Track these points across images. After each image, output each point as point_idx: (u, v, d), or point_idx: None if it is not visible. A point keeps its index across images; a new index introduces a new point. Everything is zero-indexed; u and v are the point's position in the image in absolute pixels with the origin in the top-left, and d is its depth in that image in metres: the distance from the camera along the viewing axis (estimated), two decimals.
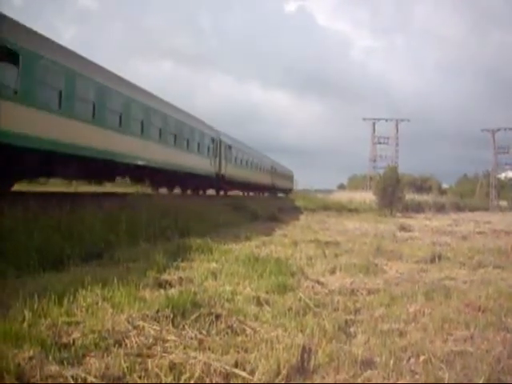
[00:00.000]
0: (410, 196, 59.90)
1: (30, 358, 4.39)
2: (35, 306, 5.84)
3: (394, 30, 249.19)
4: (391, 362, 5.11)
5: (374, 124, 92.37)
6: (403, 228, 24.74)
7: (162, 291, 7.48)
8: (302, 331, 5.94)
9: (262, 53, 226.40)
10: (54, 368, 4.30)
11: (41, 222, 11.37)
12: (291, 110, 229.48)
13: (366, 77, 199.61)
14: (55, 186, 21.29)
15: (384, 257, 12.99)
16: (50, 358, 4.52)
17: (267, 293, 7.89)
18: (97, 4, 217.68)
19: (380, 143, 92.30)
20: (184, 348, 5.15)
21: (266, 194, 56.27)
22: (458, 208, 69.98)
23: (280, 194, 63.81)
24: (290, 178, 72.36)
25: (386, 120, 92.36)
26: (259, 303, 7.28)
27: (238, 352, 5.16)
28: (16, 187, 17.09)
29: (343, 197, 64.07)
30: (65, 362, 4.50)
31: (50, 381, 4.14)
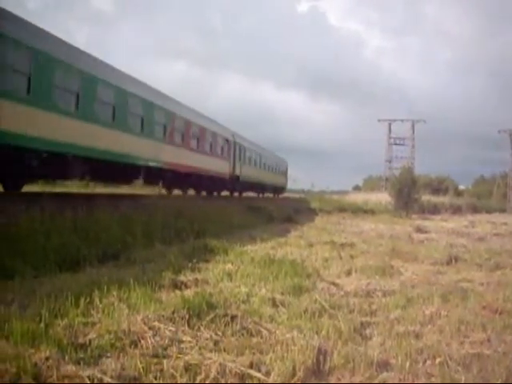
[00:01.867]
0: (426, 197, 59.53)
1: (47, 358, 4.42)
2: (52, 306, 5.89)
3: (407, 30, 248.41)
4: (407, 364, 5.09)
5: (389, 125, 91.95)
6: (419, 229, 24.61)
7: (178, 292, 7.51)
8: (317, 333, 5.92)
9: (275, 53, 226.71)
10: (70, 368, 4.32)
11: (58, 223, 11.45)
12: (305, 110, 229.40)
13: (380, 77, 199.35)
14: (69, 187, 21.39)
15: (400, 258, 12.92)
16: (67, 358, 4.55)
17: (283, 294, 7.88)
18: (110, 6, 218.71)
19: (396, 144, 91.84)
20: (199, 349, 5.16)
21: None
22: (475, 209, 69.34)
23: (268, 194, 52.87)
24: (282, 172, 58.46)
25: (402, 121, 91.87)
26: (275, 305, 7.28)
27: (254, 353, 5.16)
28: (33, 188, 17.22)
29: (358, 198, 63.65)
30: (81, 363, 4.53)
31: (66, 381, 4.17)
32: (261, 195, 49.25)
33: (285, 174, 60.14)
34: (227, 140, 34.18)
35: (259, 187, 46.04)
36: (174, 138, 24.78)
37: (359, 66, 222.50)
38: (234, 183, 35.87)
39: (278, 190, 57.01)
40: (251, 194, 46.04)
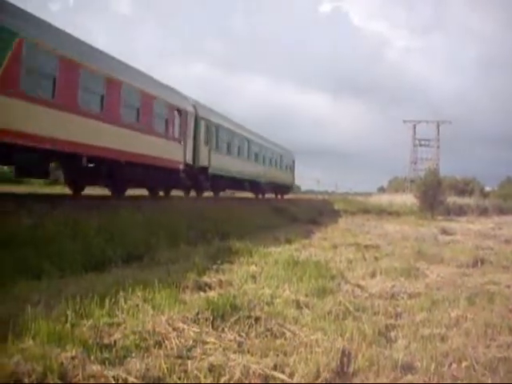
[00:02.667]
0: (451, 199, 58.88)
1: (73, 358, 4.46)
2: (78, 307, 5.94)
3: (432, 29, 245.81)
4: (432, 367, 5.04)
5: (414, 126, 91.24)
6: (445, 231, 24.34)
7: (202, 293, 7.54)
8: (341, 335, 5.89)
9: (298, 54, 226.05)
10: (95, 368, 4.36)
11: (84, 224, 11.58)
12: (329, 111, 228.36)
13: (405, 77, 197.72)
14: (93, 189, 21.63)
15: (425, 260, 12.79)
16: (92, 358, 4.59)
17: (307, 296, 7.87)
18: (130, 8, 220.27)
19: (421, 145, 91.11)
20: (223, 350, 5.17)
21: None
22: (501, 211, 68.25)
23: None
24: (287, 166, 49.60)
25: (427, 122, 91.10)
26: (299, 306, 7.26)
27: (278, 355, 5.16)
28: (57, 190, 17.40)
29: (383, 199, 63.24)
30: (106, 362, 4.57)
31: (91, 380, 4.21)
32: (256, 195, 40.41)
33: (290, 169, 50.64)
34: (179, 111, 23.44)
35: (250, 185, 36.39)
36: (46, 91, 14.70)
37: (383, 66, 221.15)
38: (197, 177, 25.87)
39: (282, 189, 47.35)
40: (250, 194, 39.36)
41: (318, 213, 33.26)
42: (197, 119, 25.73)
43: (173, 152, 22.72)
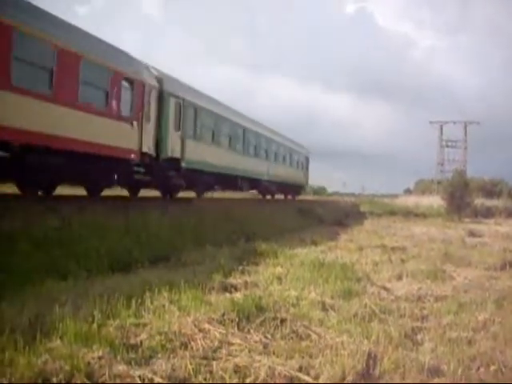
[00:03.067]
0: (479, 200, 58.16)
1: (100, 358, 4.51)
2: (104, 307, 6.00)
3: (458, 29, 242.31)
4: (459, 370, 4.99)
5: (441, 127, 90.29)
6: (472, 233, 24.06)
7: (228, 295, 7.56)
8: (367, 337, 5.86)
9: (323, 55, 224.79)
10: (122, 368, 4.40)
11: (110, 225, 11.68)
12: (354, 113, 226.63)
13: (431, 78, 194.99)
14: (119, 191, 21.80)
15: (452, 263, 12.66)
16: (119, 357, 4.63)
17: (332, 298, 7.84)
18: (158, 10, 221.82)
19: (448, 146, 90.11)
20: (249, 351, 5.18)
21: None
22: None
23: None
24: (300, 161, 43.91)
25: (454, 123, 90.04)
26: (324, 308, 7.24)
27: (303, 357, 5.15)
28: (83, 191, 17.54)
29: (409, 201, 62.74)
30: (132, 363, 4.61)
31: (118, 380, 4.25)
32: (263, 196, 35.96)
33: (303, 167, 44.57)
34: (130, 81, 17.11)
35: (249, 183, 30.25)
36: None
37: (409, 66, 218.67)
38: (164, 172, 19.84)
39: (291, 188, 41.40)
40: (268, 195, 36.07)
41: (344, 214, 33.10)
42: (163, 96, 19.51)
43: (117, 136, 16.32)
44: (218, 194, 28.39)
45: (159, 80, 19.47)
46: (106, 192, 18.14)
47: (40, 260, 8.90)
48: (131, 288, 7.32)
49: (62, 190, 16.64)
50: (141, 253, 10.87)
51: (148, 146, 18.13)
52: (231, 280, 8.66)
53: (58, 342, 4.84)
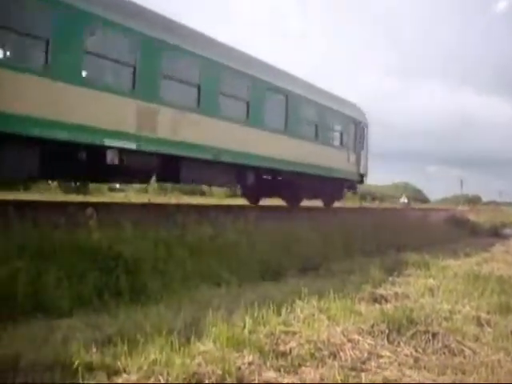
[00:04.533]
0: None
1: (250, 363, 4.61)
2: (255, 314, 6.12)
3: None
4: None
5: None
6: None
7: (378, 306, 7.40)
8: None
9: (473, 56, 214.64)
10: (271, 374, 4.46)
11: (261, 234, 11.95)
12: (509, 116, 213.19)
13: None
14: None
15: None
16: (268, 364, 4.70)
17: (488, 313, 7.40)
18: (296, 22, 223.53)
19: None
20: (399, 365, 5.04)
21: None
22: None
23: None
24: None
25: None
26: (479, 323, 6.86)
27: (456, 373, 4.92)
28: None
29: None
30: (281, 370, 4.65)
31: None
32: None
33: (355, 144, 25.93)
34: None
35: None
36: None
37: None
38: None
39: (327, 185, 24.26)
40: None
41: (500, 225, 31.27)
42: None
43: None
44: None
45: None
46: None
47: (195, 266, 9.30)
48: (281, 296, 7.41)
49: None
50: (290, 262, 11.00)
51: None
52: (381, 291, 8.47)
53: (211, 345, 5.01)
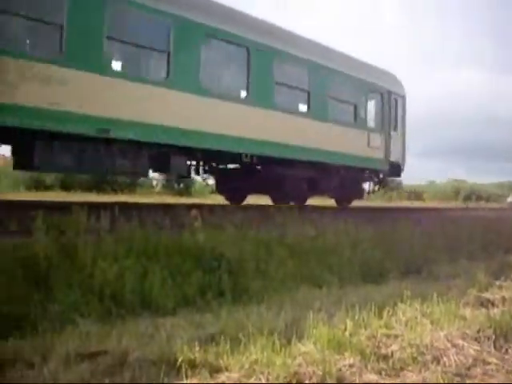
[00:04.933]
0: None
1: (350, 365, 4.61)
2: (356, 316, 6.09)
3: None
4: None
5: None
6: None
7: (484, 310, 7.17)
8: None
9: None
10: (371, 377, 4.44)
11: (363, 236, 11.87)
12: None
13: None
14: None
15: None
16: (369, 367, 4.68)
17: None
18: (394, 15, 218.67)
19: None
20: (506, 373, 4.87)
21: None
22: None
23: None
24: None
25: None
26: None
27: None
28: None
29: None
30: (382, 373, 4.61)
31: None
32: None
33: (388, 121, 20.63)
34: None
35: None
36: None
37: None
38: None
39: (343, 178, 19.52)
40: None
41: None
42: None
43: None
44: None
45: None
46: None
47: (295, 267, 9.36)
48: (383, 298, 7.32)
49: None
50: (392, 264, 10.85)
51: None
52: (488, 295, 8.18)
53: (312, 346, 5.04)
